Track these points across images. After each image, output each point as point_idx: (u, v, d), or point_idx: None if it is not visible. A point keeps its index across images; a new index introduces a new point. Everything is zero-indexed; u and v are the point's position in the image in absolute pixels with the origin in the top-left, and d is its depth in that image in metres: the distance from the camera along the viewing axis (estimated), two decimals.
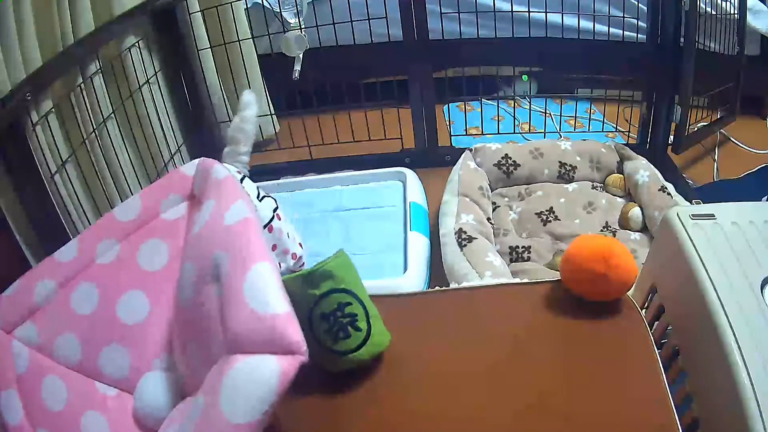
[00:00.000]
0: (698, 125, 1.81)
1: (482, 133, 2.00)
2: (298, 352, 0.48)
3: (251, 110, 1.18)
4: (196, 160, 0.78)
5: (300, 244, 1.19)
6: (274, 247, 1.11)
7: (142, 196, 0.78)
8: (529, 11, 1.73)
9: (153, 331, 0.73)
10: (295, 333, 0.49)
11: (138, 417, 0.69)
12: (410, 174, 1.65)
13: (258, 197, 1.12)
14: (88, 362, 0.70)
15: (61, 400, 0.66)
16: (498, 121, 1.88)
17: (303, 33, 1.70)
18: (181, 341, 0.68)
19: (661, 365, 0.69)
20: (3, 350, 0.67)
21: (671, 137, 1.77)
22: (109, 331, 0.71)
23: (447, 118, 2.14)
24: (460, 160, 1.62)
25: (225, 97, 1.85)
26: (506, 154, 1.61)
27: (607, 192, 1.56)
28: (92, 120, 1.36)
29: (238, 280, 0.53)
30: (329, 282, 0.69)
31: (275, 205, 1.14)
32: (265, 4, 1.90)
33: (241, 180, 1.13)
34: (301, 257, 1.17)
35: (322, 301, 0.68)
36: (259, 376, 0.47)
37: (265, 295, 0.51)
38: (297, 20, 1.76)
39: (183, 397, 0.68)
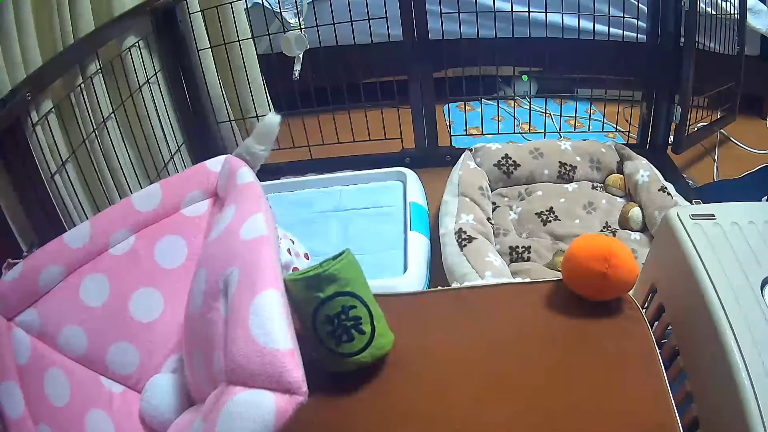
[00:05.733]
0: (698, 125, 1.81)
1: (482, 133, 2.00)
2: (297, 393, 0.47)
3: (265, 141, 1.02)
4: (222, 157, 0.74)
5: (289, 250, 1.17)
6: None
7: (162, 187, 0.74)
8: (529, 11, 1.73)
9: (165, 331, 0.71)
10: (296, 372, 0.47)
11: (144, 418, 0.68)
12: (410, 174, 1.65)
13: None
14: (95, 356, 0.68)
15: (64, 395, 0.64)
16: (498, 121, 1.88)
17: (303, 33, 1.70)
18: (188, 349, 0.67)
19: (662, 364, 0.69)
20: (4, 338, 0.64)
21: (671, 137, 1.77)
22: (120, 327, 0.69)
23: (447, 118, 2.14)
24: (460, 160, 1.62)
25: (225, 97, 1.85)
26: (506, 154, 1.61)
27: (607, 192, 1.56)
28: (92, 120, 1.36)
29: (244, 303, 0.51)
30: (334, 285, 0.68)
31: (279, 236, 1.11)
32: (265, 4, 1.90)
33: None
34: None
35: (327, 303, 0.68)
36: (256, 413, 0.46)
37: (270, 327, 0.49)
38: (297, 20, 1.76)
39: (190, 402, 0.67)
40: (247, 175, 0.70)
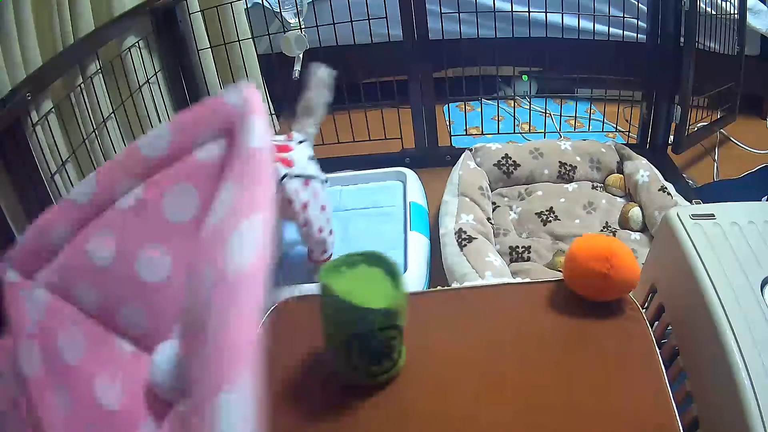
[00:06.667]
0: (698, 125, 1.81)
1: (482, 133, 2.00)
2: None
3: (320, 91, 1.23)
4: (241, 86, 0.61)
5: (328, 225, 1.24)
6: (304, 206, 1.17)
7: (171, 128, 0.65)
8: (529, 11, 1.73)
9: (173, 291, 0.65)
10: None
11: (151, 384, 0.66)
12: (410, 174, 1.65)
13: (309, 157, 1.22)
14: (107, 314, 0.66)
15: (78, 352, 0.63)
16: (498, 121, 1.88)
17: (303, 33, 1.70)
18: (183, 343, 0.66)
19: (662, 365, 0.69)
20: (23, 296, 0.63)
21: (671, 137, 1.77)
22: (128, 288, 0.65)
23: (447, 118, 2.14)
24: (460, 160, 1.62)
25: None
26: (506, 154, 1.61)
27: (607, 192, 1.56)
28: (92, 120, 1.37)
29: (210, 394, 0.45)
30: (386, 319, 0.66)
31: (325, 178, 1.22)
32: (265, 4, 1.90)
33: (300, 142, 1.21)
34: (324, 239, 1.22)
35: (371, 333, 0.66)
36: None
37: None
38: (297, 20, 1.76)
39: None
40: (258, 134, 0.57)
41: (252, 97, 0.60)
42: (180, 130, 0.65)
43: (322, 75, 1.23)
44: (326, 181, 1.23)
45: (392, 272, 0.68)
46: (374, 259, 0.69)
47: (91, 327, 0.66)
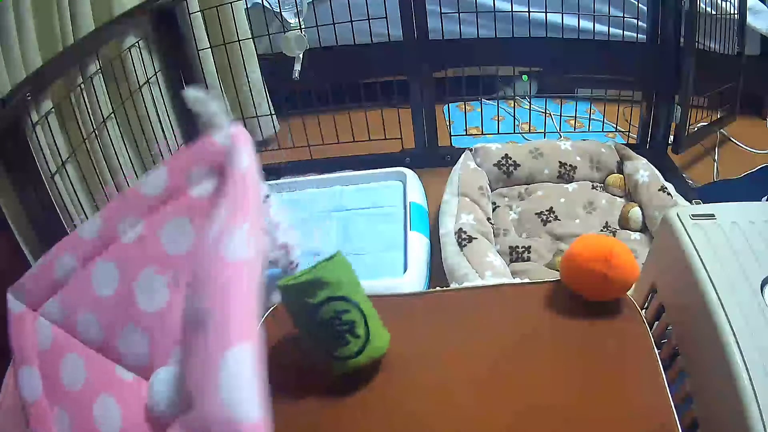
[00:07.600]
0: (698, 125, 1.81)
1: (482, 133, 2.00)
2: None
3: (213, 114, 1.15)
4: (231, 129, 0.68)
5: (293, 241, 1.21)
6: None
7: (168, 168, 0.70)
8: (529, 11, 1.73)
9: (172, 319, 0.69)
10: None
11: (148, 408, 0.68)
12: (410, 174, 1.65)
13: None
14: (109, 344, 0.69)
15: (79, 380, 0.65)
16: (498, 121, 1.88)
17: (303, 33, 1.70)
18: (183, 347, 0.67)
19: (661, 365, 0.69)
20: (28, 327, 0.66)
21: (671, 137, 1.77)
22: (128, 316, 0.68)
23: (447, 118, 2.14)
24: (460, 160, 1.62)
25: (225, 97, 1.85)
26: (506, 154, 1.61)
27: (607, 192, 1.56)
28: (92, 120, 1.37)
29: (216, 353, 0.48)
30: (325, 290, 0.69)
31: (267, 193, 1.18)
32: (265, 4, 1.90)
33: None
34: (288, 249, 1.19)
35: (320, 309, 0.69)
36: None
37: (240, 393, 0.46)
38: (297, 20, 1.76)
39: (188, 396, 0.67)
40: (245, 158, 0.64)
41: (238, 134, 0.67)
42: (175, 170, 0.70)
43: (196, 96, 1.16)
44: (268, 196, 1.19)
45: (331, 258, 0.72)
46: (329, 258, 0.73)
47: (93, 356, 0.68)
